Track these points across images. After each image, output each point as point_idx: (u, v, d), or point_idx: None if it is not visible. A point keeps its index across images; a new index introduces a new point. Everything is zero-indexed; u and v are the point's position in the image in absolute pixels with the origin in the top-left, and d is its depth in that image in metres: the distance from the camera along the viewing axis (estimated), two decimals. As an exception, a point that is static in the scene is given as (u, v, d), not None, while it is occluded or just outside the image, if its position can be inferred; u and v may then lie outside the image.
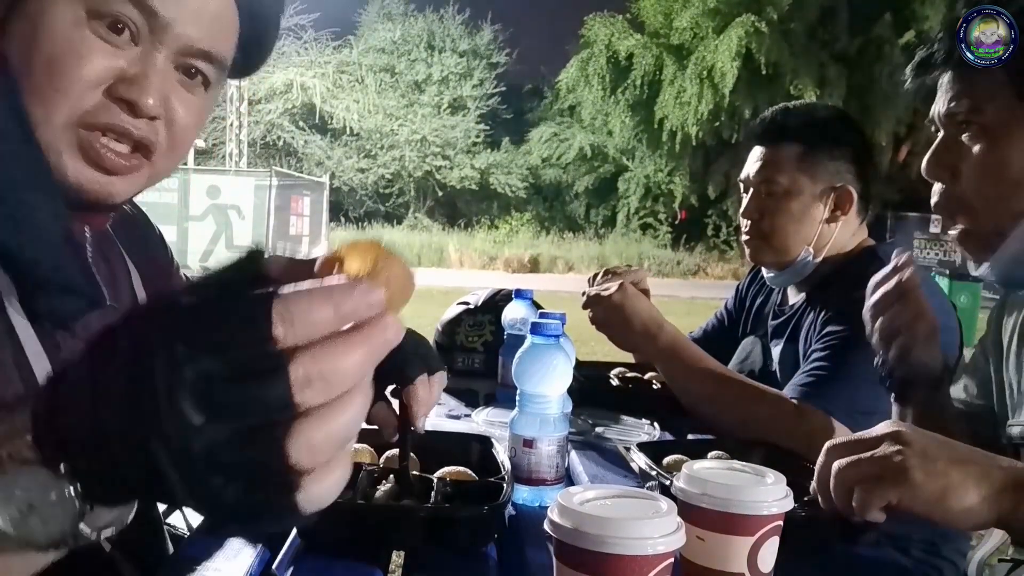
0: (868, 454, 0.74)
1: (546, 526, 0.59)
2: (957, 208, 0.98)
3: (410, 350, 0.85)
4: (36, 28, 0.66)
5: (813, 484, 0.79)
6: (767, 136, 1.49)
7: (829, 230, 1.45)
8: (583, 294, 1.43)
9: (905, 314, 1.04)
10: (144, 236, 0.99)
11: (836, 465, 0.75)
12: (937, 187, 0.99)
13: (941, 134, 0.98)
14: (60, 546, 0.40)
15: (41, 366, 0.68)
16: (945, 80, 0.97)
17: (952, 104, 0.94)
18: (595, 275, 1.51)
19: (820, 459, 0.78)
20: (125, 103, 0.69)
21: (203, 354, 0.35)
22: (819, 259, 1.46)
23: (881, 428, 0.76)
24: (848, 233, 1.47)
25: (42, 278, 0.67)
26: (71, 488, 0.39)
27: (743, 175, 1.53)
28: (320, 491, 0.38)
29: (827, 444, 0.79)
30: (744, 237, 1.53)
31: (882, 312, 1.06)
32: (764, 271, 1.61)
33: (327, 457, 0.38)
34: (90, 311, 0.71)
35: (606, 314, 1.37)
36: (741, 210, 1.52)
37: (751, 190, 1.50)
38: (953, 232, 0.99)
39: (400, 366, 0.84)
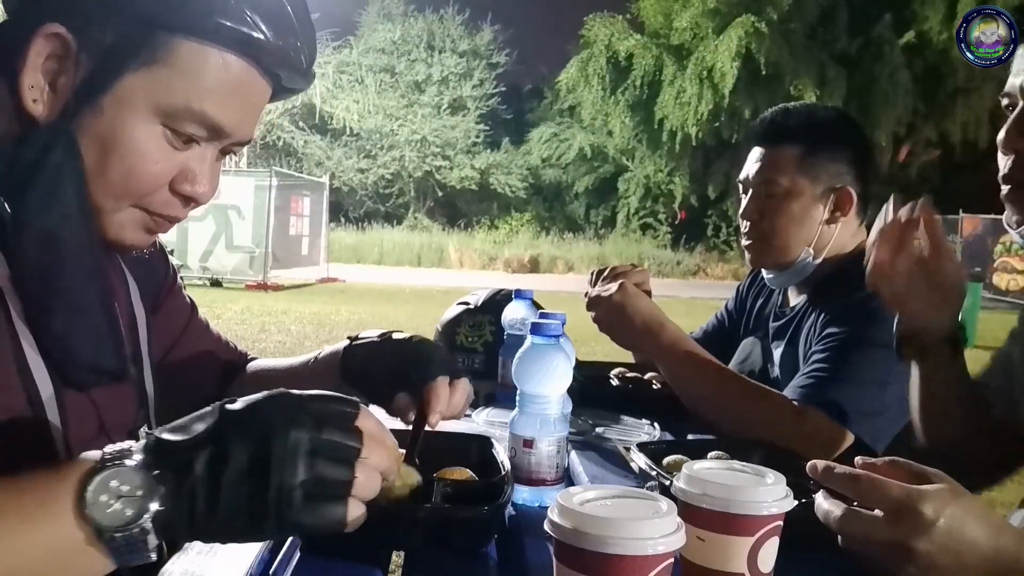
0: (883, 527, 0.70)
1: (546, 526, 0.59)
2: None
3: (437, 356, 0.92)
4: (116, 135, 0.73)
5: (823, 502, 0.76)
6: (767, 137, 1.49)
7: (829, 231, 1.45)
8: (585, 295, 1.43)
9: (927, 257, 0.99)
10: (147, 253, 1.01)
11: (845, 520, 0.72)
12: (1007, 159, 0.98)
13: (1020, 105, 0.96)
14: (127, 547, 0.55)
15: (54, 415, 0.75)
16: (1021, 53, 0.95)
17: None
18: (594, 272, 1.51)
19: (849, 477, 0.73)
20: (183, 197, 0.79)
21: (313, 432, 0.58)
22: (819, 260, 1.46)
23: (925, 496, 0.70)
24: (848, 234, 1.47)
25: (79, 358, 0.76)
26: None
27: (742, 176, 1.52)
28: (354, 511, 0.60)
29: (862, 463, 0.75)
30: (744, 241, 1.53)
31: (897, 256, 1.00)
32: (764, 272, 1.60)
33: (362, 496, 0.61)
34: (112, 380, 0.80)
35: (607, 314, 1.37)
36: (740, 211, 1.52)
37: (751, 191, 1.50)
38: (1007, 188, 0.98)
39: (423, 367, 0.89)
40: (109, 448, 0.58)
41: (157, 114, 0.73)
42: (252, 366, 1.12)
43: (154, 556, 0.56)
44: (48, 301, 0.72)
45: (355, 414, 0.60)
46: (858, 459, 0.79)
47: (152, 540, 0.55)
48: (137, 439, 0.76)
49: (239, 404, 0.60)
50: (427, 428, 0.87)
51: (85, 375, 0.77)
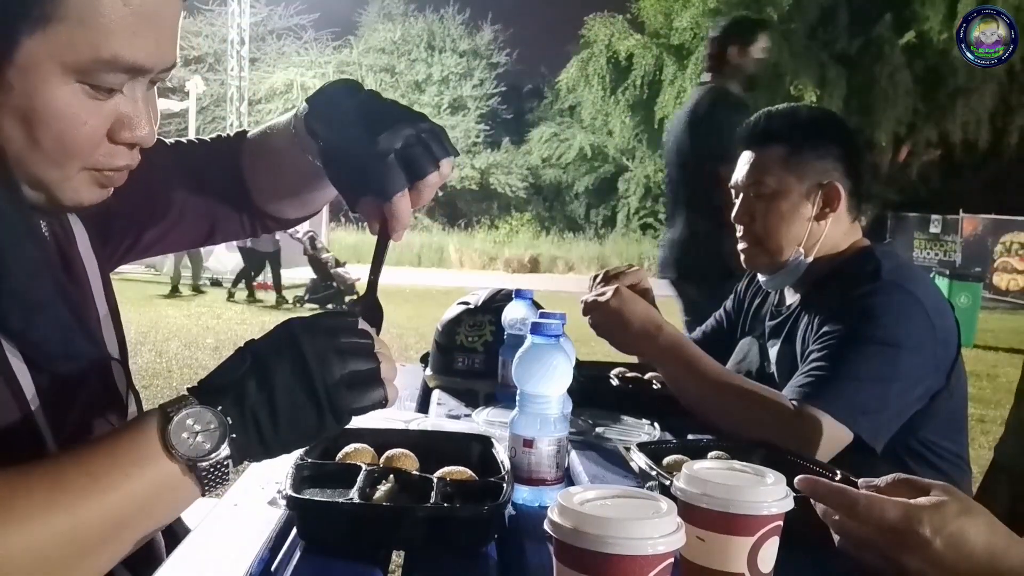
0: (883, 536, 0.70)
1: (546, 526, 0.59)
2: None
3: (391, 161, 0.78)
4: (34, 107, 0.67)
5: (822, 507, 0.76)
6: (753, 140, 1.51)
7: (819, 228, 1.45)
8: (582, 301, 1.44)
9: None
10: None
11: (842, 525, 0.73)
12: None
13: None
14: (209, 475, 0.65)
15: (37, 407, 0.73)
16: None
17: None
18: (595, 276, 1.52)
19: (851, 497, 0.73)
20: (127, 144, 0.75)
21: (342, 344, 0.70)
22: (811, 259, 1.46)
23: (923, 514, 0.70)
24: (840, 231, 1.47)
25: (46, 353, 0.74)
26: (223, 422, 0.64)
27: (733, 180, 1.54)
28: (391, 391, 0.72)
29: (865, 486, 0.76)
30: (740, 244, 1.54)
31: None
32: (759, 276, 1.61)
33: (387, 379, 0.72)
34: (85, 364, 0.79)
35: (604, 319, 1.38)
36: (733, 215, 1.53)
37: (741, 194, 1.52)
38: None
39: (381, 180, 0.78)
40: (163, 403, 0.65)
41: (68, 73, 0.67)
42: (248, 144, 1.05)
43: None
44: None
45: (357, 320, 0.72)
46: (861, 481, 0.79)
47: (231, 466, 0.66)
48: (124, 406, 0.85)
49: (263, 337, 0.70)
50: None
51: (57, 366, 0.75)
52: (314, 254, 10.21)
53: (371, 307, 0.82)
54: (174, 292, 10.96)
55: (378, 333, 0.77)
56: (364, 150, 0.78)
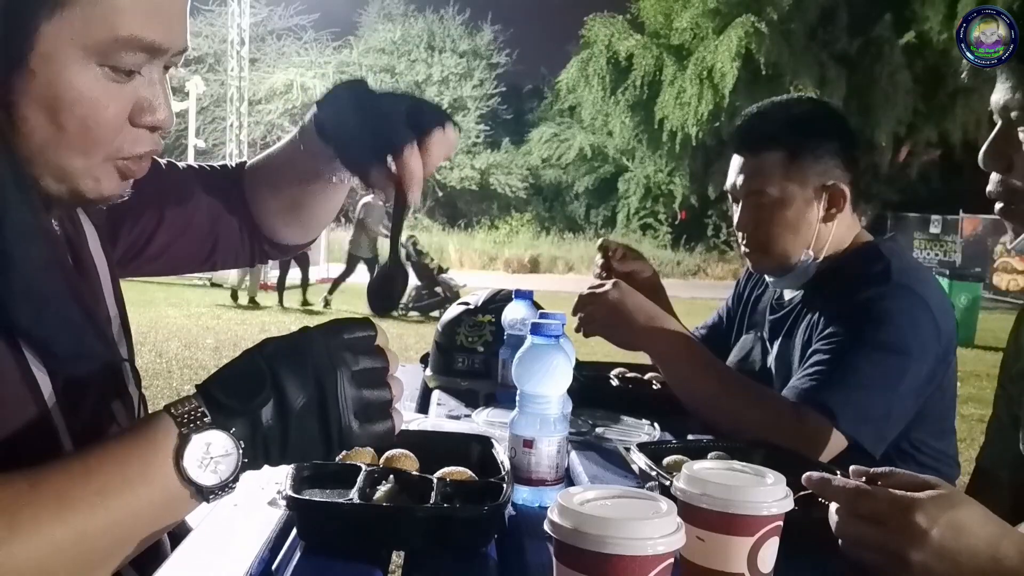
0: (876, 535, 0.71)
1: (546, 526, 0.59)
2: (1009, 197, 0.97)
3: (397, 118, 0.82)
4: (57, 93, 0.68)
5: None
6: (747, 144, 1.45)
7: (827, 229, 1.43)
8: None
9: None
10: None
11: (841, 524, 0.73)
12: (993, 176, 0.98)
13: (998, 125, 0.96)
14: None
15: (56, 413, 0.73)
16: (1003, 72, 0.94)
17: (1008, 97, 0.93)
18: (600, 251, 1.55)
19: (845, 485, 0.74)
20: (149, 128, 0.75)
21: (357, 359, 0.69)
22: (820, 259, 1.44)
23: (917, 504, 0.70)
24: (843, 227, 1.45)
25: (57, 351, 0.73)
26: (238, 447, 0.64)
27: (729, 184, 1.49)
28: (398, 419, 0.72)
29: (856, 472, 0.77)
30: (743, 249, 1.50)
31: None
32: (767, 277, 1.57)
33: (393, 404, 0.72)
34: (96, 363, 0.78)
35: (605, 313, 1.35)
36: (735, 222, 1.49)
37: (740, 201, 1.47)
38: (999, 205, 0.99)
39: (388, 136, 0.81)
40: (175, 410, 0.64)
41: (89, 56, 0.68)
42: (250, 169, 1.08)
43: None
44: (11, 299, 0.69)
45: (375, 335, 0.71)
46: (853, 468, 0.79)
47: (238, 484, 0.66)
48: (135, 407, 0.84)
49: (281, 350, 0.68)
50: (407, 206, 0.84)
51: (72, 367, 0.75)
52: (419, 260, 9.71)
53: (396, 267, 0.85)
54: (250, 305, 10.37)
55: (403, 295, 0.85)
56: (369, 116, 0.82)
